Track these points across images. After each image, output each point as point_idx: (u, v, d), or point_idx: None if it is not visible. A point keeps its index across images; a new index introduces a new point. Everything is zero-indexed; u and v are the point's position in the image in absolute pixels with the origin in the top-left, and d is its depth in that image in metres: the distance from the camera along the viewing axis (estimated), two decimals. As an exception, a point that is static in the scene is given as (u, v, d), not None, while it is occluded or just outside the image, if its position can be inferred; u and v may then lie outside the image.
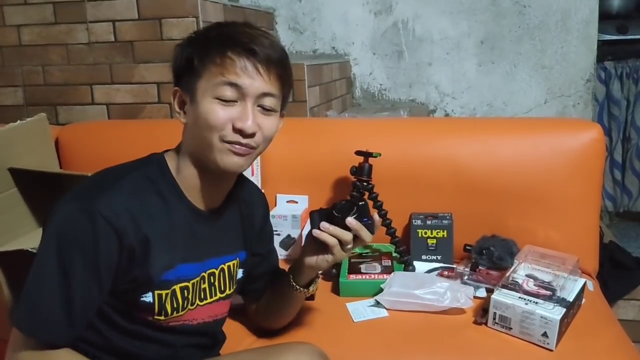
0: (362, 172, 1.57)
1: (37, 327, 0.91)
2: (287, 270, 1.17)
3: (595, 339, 1.26)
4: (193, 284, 1.03)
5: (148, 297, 0.97)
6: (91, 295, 0.92)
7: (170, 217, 0.98)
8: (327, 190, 1.68)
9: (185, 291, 1.01)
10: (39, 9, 2.07)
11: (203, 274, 1.05)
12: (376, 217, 1.10)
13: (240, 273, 1.15)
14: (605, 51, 2.80)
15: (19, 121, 1.63)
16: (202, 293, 1.06)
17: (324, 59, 2.57)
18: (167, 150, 1.05)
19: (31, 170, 1.58)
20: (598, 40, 2.55)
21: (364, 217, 1.06)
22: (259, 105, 0.97)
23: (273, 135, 1.02)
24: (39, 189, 1.60)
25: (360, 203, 1.08)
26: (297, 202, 1.70)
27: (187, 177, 1.01)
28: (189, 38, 1.00)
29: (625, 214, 3.08)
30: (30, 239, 1.28)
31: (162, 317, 1.00)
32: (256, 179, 1.64)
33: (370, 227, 1.08)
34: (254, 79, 0.95)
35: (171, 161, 1.02)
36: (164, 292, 0.99)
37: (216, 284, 1.09)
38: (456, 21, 2.59)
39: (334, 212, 1.06)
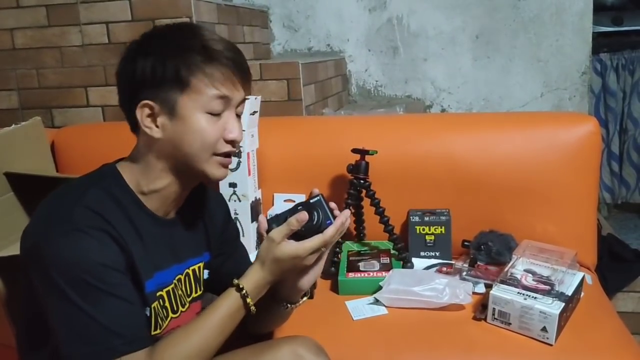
0: (358, 169, 1.57)
1: (119, 343, 0.87)
2: (271, 294, 1.07)
3: (594, 333, 1.26)
4: (167, 292, 1.03)
5: (147, 312, 0.98)
6: (131, 290, 0.92)
7: (135, 226, 0.96)
8: (324, 188, 1.68)
9: (161, 300, 1.01)
10: (31, 12, 2.06)
11: (174, 280, 1.05)
12: (337, 212, 1.02)
13: (206, 274, 1.15)
14: (601, 43, 2.80)
15: (13, 125, 1.62)
16: (181, 299, 1.07)
17: (319, 57, 2.57)
18: (118, 161, 1.03)
19: (27, 174, 1.57)
20: (593, 32, 2.54)
21: (326, 219, 1.00)
22: (235, 113, 0.99)
23: None
24: (35, 193, 1.58)
25: (314, 200, 1.00)
26: (294, 201, 1.69)
27: (153, 188, 0.99)
28: (159, 47, 0.94)
29: (624, 206, 3.09)
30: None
31: (159, 331, 1.00)
32: (253, 178, 1.63)
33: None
34: (238, 90, 0.97)
35: (126, 172, 0.99)
36: (155, 305, 0.99)
37: (183, 288, 1.09)
38: (451, 16, 2.59)
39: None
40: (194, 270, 1.11)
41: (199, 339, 0.92)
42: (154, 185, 0.99)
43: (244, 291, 0.97)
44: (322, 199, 1.01)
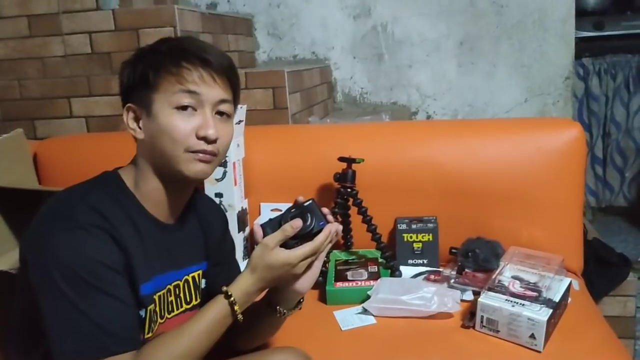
0: (345, 178, 1.56)
1: (110, 342, 0.88)
2: (266, 300, 1.09)
3: (582, 338, 1.26)
4: (159, 296, 1.04)
5: (142, 314, 0.98)
6: (127, 291, 0.93)
7: (137, 228, 0.98)
8: (311, 197, 1.67)
9: (153, 304, 1.02)
10: (13, 23, 2.03)
11: (169, 286, 1.06)
12: (329, 216, 1.05)
13: (203, 283, 1.16)
14: (583, 48, 2.83)
15: (-5, 137, 1.60)
16: (169, 306, 1.07)
17: (304, 64, 2.57)
18: (119, 168, 1.06)
19: (10, 187, 1.55)
20: (575, 37, 2.57)
21: (319, 221, 1.02)
22: (216, 112, 1.00)
23: (230, 142, 1.04)
24: (18, 206, 1.57)
25: (307, 204, 1.04)
26: (281, 210, 1.67)
27: (146, 190, 1.02)
28: (136, 55, 1.02)
29: (608, 209, 3.11)
30: (9, 258, 1.26)
31: (150, 335, 1.00)
32: (239, 188, 1.62)
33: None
34: (211, 87, 0.98)
35: (127, 176, 1.03)
36: (151, 307, 1.00)
37: (181, 295, 1.10)
38: (435, 23, 2.60)
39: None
40: (193, 278, 1.12)
41: (185, 344, 0.93)
42: (147, 188, 1.02)
43: (232, 298, 0.97)
44: (314, 203, 1.04)
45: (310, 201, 1.04)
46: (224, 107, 1.01)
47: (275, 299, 1.07)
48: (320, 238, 1.00)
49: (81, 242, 0.89)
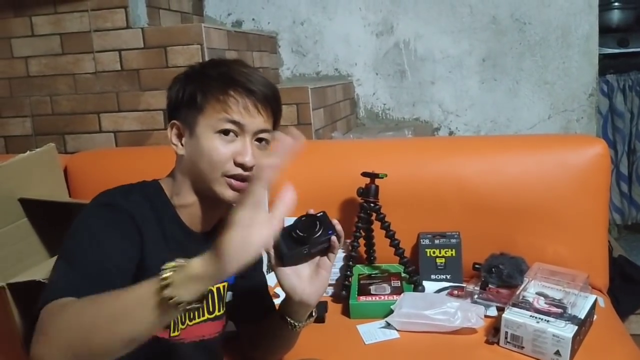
0: (368, 193, 1.58)
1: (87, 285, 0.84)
2: (279, 313, 1.11)
3: (608, 356, 1.25)
4: None
5: None
6: (126, 253, 0.95)
7: (164, 233, 1.02)
8: (334, 212, 1.68)
9: None
10: (46, 41, 2.11)
11: None
12: (338, 226, 1.03)
13: (229, 296, 1.17)
14: (607, 64, 2.82)
15: (28, 152, 1.64)
16: (190, 313, 1.08)
17: (327, 81, 2.60)
18: (156, 179, 1.09)
19: (41, 200, 1.59)
20: (599, 53, 2.57)
21: (328, 230, 1.03)
22: (256, 140, 1.03)
23: None
24: (49, 219, 1.61)
25: (319, 214, 1.05)
26: (304, 225, 1.70)
27: (182, 202, 1.05)
28: (187, 74, 1.06)
29: (634, 226, 3.07)
30: (41, 269, 1.28)
31: (176, 333, 1.03)
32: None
33: (338, 238, 1.04)
34: (254, 118, 1.01)
35: (166, 187, 1.07)
36: None
37: (205, 304, 1.11)
38: (457, 40, 2.62)
39: (297, 231, 1.01)
40: (217, 289, 1.14)
41: (91, 316, 0.77)
42: (184, 201, 1.05)
43: (164, 275, 0.74)
44: (326, 215, 1.05)
45: (323, 213, 1.06)
46: (264, 135, 1.04)
47: (285, 310, 1.08)
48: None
49: (107, 211, 0.95)
